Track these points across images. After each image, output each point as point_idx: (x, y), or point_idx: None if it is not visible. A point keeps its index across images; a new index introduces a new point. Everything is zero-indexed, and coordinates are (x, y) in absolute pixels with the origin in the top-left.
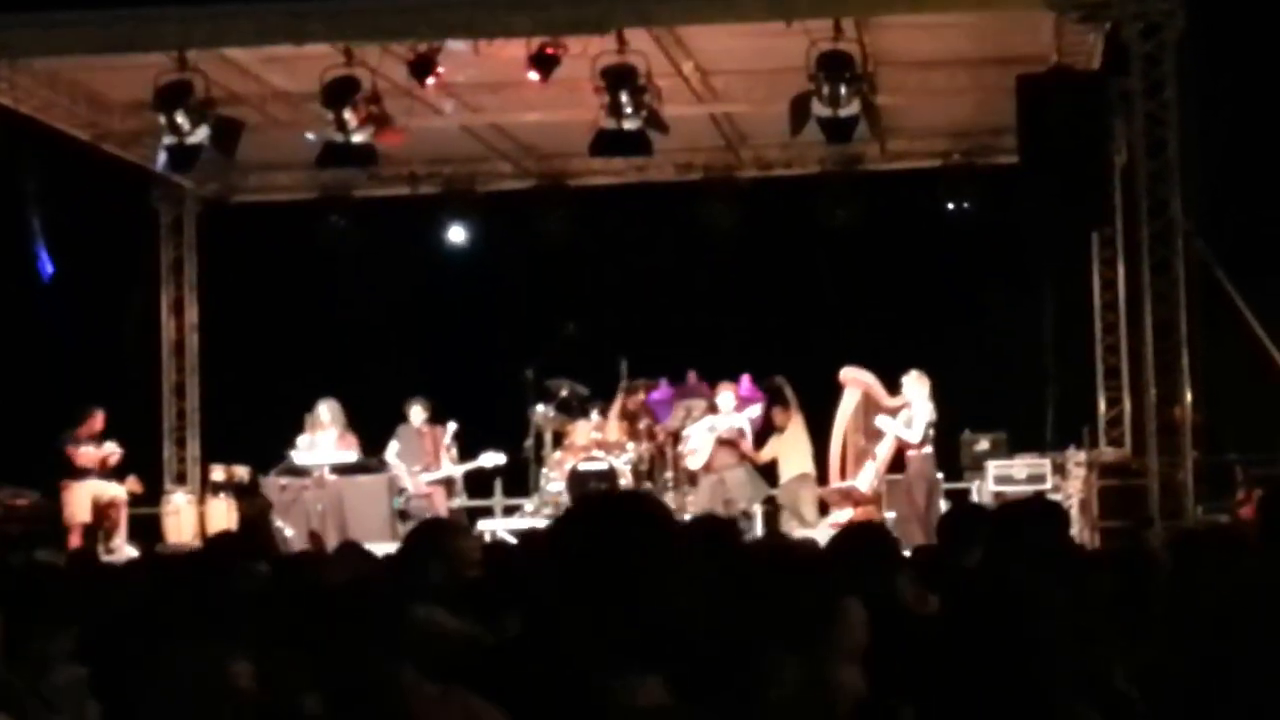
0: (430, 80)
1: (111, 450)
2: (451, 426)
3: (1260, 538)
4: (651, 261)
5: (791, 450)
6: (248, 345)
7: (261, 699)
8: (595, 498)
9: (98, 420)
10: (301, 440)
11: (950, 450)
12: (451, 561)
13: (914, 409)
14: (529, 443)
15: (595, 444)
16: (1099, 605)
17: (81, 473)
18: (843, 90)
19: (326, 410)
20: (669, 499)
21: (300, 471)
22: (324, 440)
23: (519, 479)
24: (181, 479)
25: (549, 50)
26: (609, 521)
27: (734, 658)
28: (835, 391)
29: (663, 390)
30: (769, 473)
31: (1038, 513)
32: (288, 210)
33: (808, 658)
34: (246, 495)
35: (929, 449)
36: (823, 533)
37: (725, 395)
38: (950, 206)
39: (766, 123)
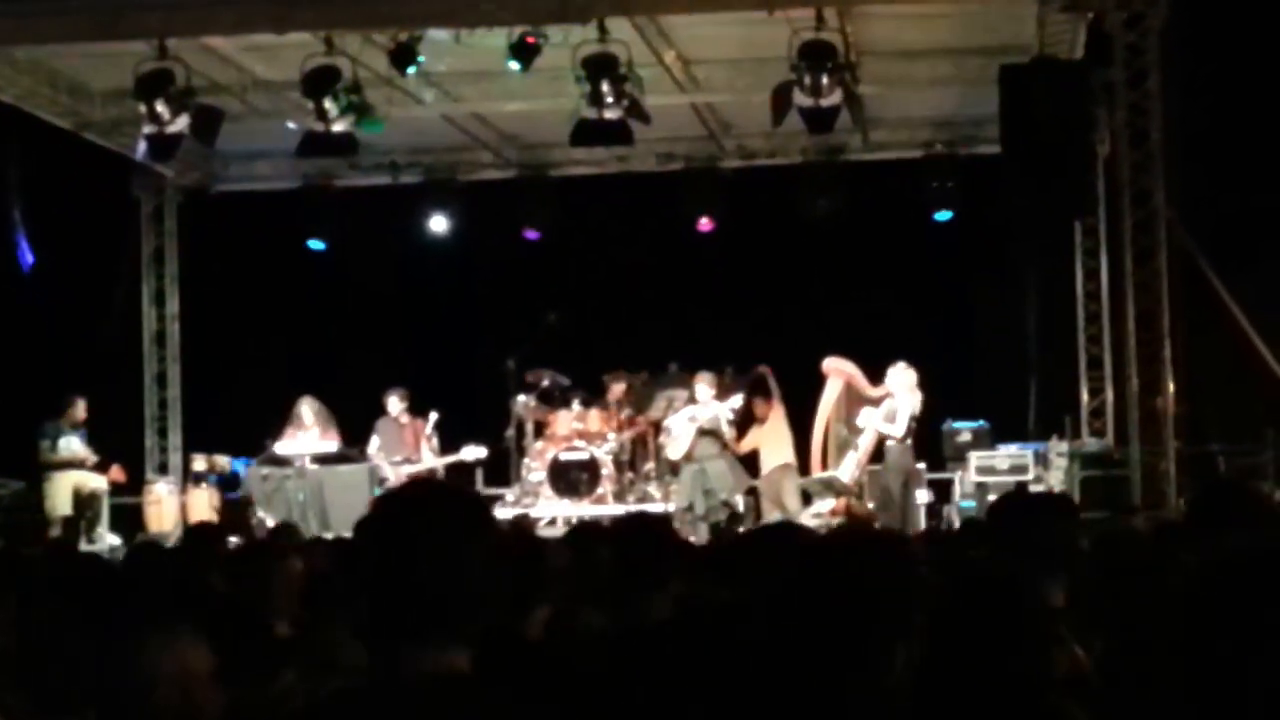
0: (411, 69)
1: (88, 456)
2: (433, 417)
3: (1190, 527)
4: (633, 251)
5: (772, 440)
6: (229, 335)
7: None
8: (402, 491)
9: (79, 409)
10: (282, 443)
11: (933, 440)
12: None
13: (897, 401)
14: (510, 433)
15: (576, 434)
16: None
17: (62, 463)
18: (825, 80)
19: (307, 409)
20: (651, 489)
21: (282, 461)
22: (306, 439)
23: (500, 469)
24: (163, 469)
25: (530, 39)
26: (405, 508)
27: (846, 649)
28: (818, 381)
29: None
30: (750, 463)
31: (1050, 508)
32: (268, 199)
33: (910, 641)
34: (227, 487)
35: (909, 440)
36: (805, 523)
37: (702, 386)
38: (933, 192)
39: (748, 112)
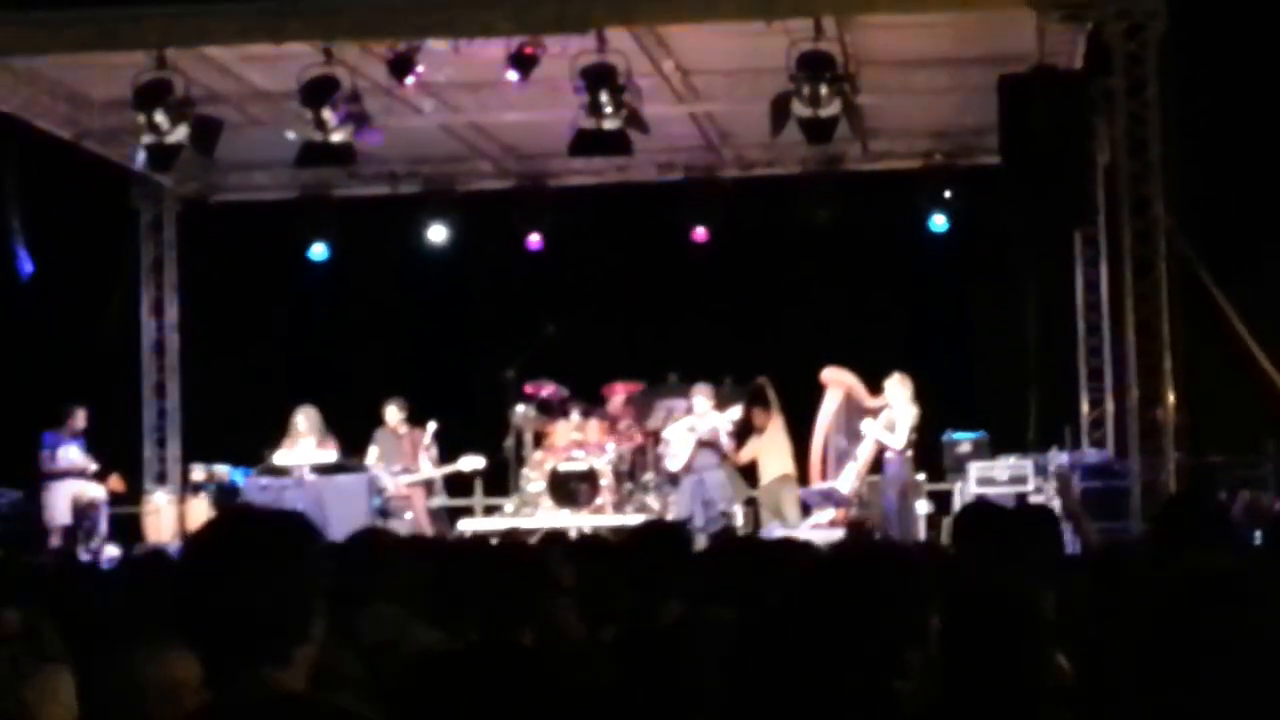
0: (409, 79)
1: (87, 466)
2: (431, 426)
3: (1152, 542)
4: (632, 261)
5: (771, 451)
6: (228, 345)
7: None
8: (220, 518)
9: (79, 418)
10: (279, 453)
11: (932, 451)
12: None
13: (896, 412)
14: (509, 443)
15: (575, 444)
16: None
17: (61, 473)
18: (823, 90)
19: (303, 419)
20: (649, 500)
21: (281, 472)
22: (302, 449)
23: (499, 479)
24: (162, 479)
25: (528, 50)
26: (223, 534)
27: (858, 653)
28: (817, 392)
29: None
30: (748, 474)
31: (1035, 521)
32: (267, 209)
33: (924, 647)
34: (225, 498)
35: (909, 451)
36: (804, 534)
37: (700, 398)
38: (932, 202)
39: (748, 122)
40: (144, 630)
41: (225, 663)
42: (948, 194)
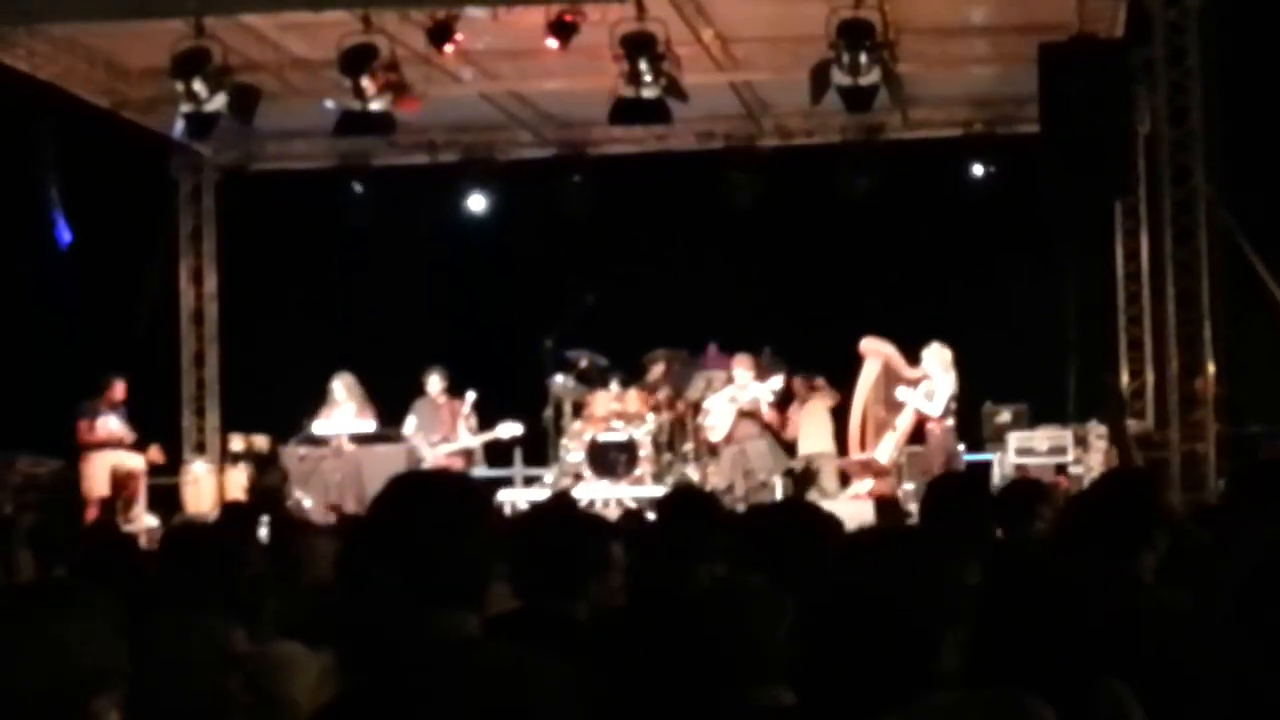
0: (448, 47)
1: (126, 436)
2: (470, 396)
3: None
4: (672, 231)
5: (812, 421)
6: (267, 314)
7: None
8: (410, 479)
9: (118, 389)
10: (318, 422)
11: (971, 421)
12: None
13: (935, 381)
14: (548, 413)
15: (615, 415)
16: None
17: (100, 443)
18: (863, 58)
19: (341, 387)
20: (689, 470)
21: (319, 441)
22: (341, 417)
23: (539, 449)
24: (201, 449)
25: (568, 17)
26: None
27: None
28: (856, 362)
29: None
30: (787, 444)
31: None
32: (306, 178)
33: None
34: (264, 466)
35: (950, 421)
36: (842, 504)
37: (740, 369)
38: (972, 175)
39: (787, 91)
40: (187, 600)
41: (423, 607)
42: (987, 164)
